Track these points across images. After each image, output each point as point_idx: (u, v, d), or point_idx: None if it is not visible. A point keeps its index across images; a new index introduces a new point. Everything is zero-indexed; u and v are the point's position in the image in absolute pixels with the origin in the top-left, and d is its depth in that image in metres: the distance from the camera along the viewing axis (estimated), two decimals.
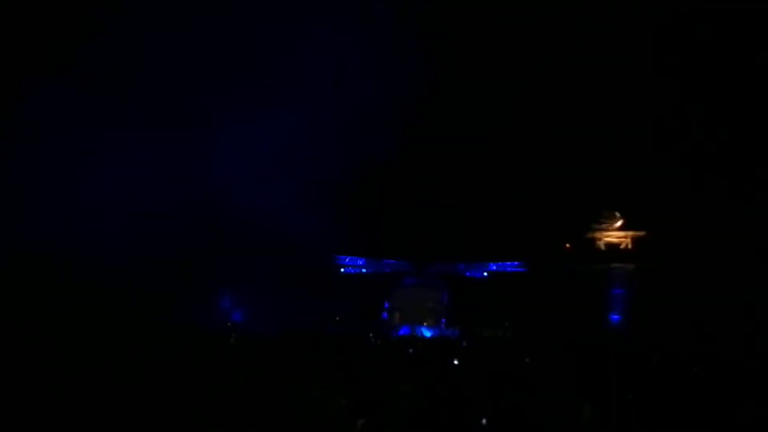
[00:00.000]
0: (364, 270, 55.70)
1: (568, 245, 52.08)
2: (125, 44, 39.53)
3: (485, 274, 55.15)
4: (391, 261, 55.57)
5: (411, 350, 27.02)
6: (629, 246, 51.84)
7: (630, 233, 51.76)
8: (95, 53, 39.25)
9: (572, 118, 45.18)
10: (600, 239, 52.46)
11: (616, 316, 49.43)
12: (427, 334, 47.43)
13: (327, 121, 43.83)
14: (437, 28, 41.65)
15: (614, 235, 52.15)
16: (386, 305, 54.21)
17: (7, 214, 38.31)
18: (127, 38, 39.28)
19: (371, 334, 38.17)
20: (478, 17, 42.23)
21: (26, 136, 39.06)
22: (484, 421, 11.29)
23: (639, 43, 42.34)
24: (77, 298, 32.81)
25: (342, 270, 54.99)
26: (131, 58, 40.01)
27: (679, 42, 41.82)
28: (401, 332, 48.56)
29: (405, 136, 45.51)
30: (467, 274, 55.56)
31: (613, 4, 40.95)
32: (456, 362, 21.46)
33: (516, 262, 53.89)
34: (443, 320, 52.55)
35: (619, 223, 51.88)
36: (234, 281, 46.58)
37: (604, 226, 52.10)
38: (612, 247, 52.25)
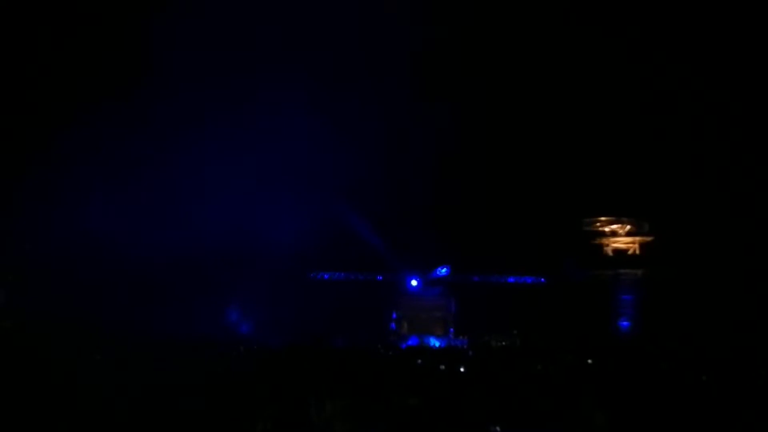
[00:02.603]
0: (370, 280, 55.45)
1: (575, 252, 51.76)
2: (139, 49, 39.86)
3: (542, 279, 54.44)
4: (400, 271, 55.37)
5: (420, 361, 26.95)
6: (637, 252, 51.59)
7: (637, 239, 51.50)
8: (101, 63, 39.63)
9: (580, 124, 45.15)
10: (608, 245, 52.20)
11: (625, 323, 49.15)
12: (436, 344, 47.23)
13: (333, 132, 43.85)
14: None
15: (622, 240, 51.90)
16: (394, 315, 54.02)
17: (9, 218, 38.63)
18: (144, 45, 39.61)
19: (380, 346, 38.06)
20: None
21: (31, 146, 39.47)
22: (498, 428, 11.24)
23: (648, 49, 42.39)
24: (84, 316, 32.95)
25: (350, 280, 54.78)
26: (140, 63, 40.28)
27: (687, 44, 41.81)
28: (409, 342, 48.38)
29: (411, 147, 45.62)
30: (475, 280, 55.22)
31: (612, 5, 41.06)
32: (462, 369, 21.46)
33: (524, 271, 53.55)
34: (451, 329, 52.34)
35: (626, 229, 51.63)
36: (240, 293, 46.57)
37: (611, 232, 51.84)
38: (620, 253, 52.00)
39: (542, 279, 52.03)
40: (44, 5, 39.45)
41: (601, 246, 52.30)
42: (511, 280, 53.26)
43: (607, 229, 52.00)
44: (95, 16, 39.63)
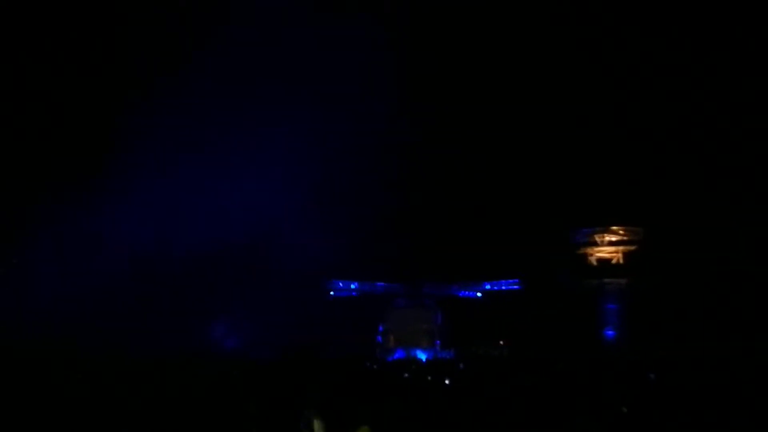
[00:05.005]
0: (355, 293, 55.29)
1: (562, 262, 51.97)
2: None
3: (479, 294, 54.88)
4: (385, 283, 55.25)
5: (407, 374, 26.91)
6: (621, 261, 51.86)
7: (621, 248, 51.79)
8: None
9: (563, 133, 45.54)
10: (592, 254, 52.46)
11: (610, 332, 49.33)
12: (423, 357, 47.04)
13: (318, 146, 43.98)
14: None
15: (606, 250, 52.17)
16: (380, 328, 53.80)
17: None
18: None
19: (367, 361, 37.88)
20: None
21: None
22: None
23: (628, 61, 42.90)
24: (73, 328, 32.64)
25: (334, 294, 54.55)
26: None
27: (664, 56, 42.34)
28: (396, 356, 48.16)
29: (396, 158, 45.81)
30: (461, 294, 55.29)
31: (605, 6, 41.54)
32: (447, 382, 21.49)
33: (509, 281, 53.72)
34: (438, 342, 52.20)
35: (612, 239, 51.88)
36: (227, 307, 46.29)
37: (598, 241, 52.09)
38: (604, 262, 52.27)
39: (528, 286, 52.25)
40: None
41: (586, 255, 52.57)
42: (499, 286, 53.49)
43: (593, 239, 52.27)
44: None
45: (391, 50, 40.45)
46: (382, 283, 55.36)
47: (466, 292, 55.08)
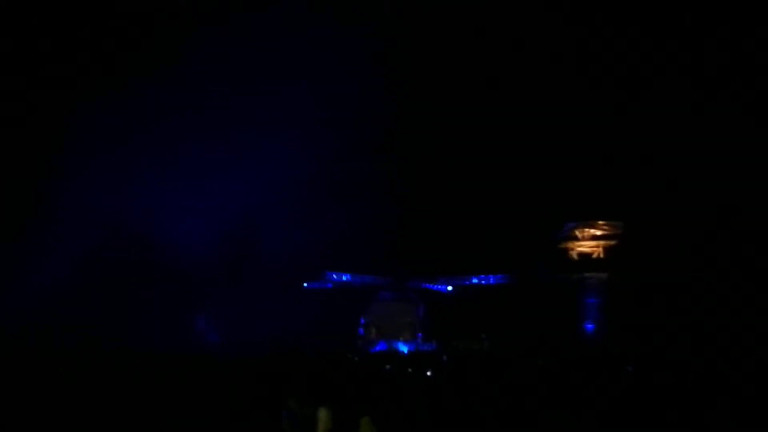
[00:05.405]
0: (332, 286, 55.22)
1: (543, 256, 52.27)
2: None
3: (449, 288, 55.08)
4: (368, 276, 55.31)
5: (388, 366, 27.08)
6: (601, 255, 52.27)
7: (602, 243, 52.19)
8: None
9: (545, 129, 45.80)
10: (573, 249, 52.82)
11: (590, 326, 49.82)
12: (404, 349, 47.26)
13: (305, 137, 43.90)
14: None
15: (587, 244, 52.54)
16: (362, 321, 53.92)
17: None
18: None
19: (349, 353, 38.01)
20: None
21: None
22: None
23: (609, 60, 43.23)
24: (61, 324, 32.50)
25: (317, 286, 54.50)
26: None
27: (643, 57, 42.72)
28: (378, 348, 48.36)
29: (380, 151, 45.88)
30: (443, 288, 55.48)
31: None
32: (429, 373, 21.68)
33: (491, 275, 53.96)
34: (420, 334, 52.45)
35: (593, 233, 52.25)
36: (209, 301, 46.18)
37: (578, 236, 52.43)
38: (585, 256, 52.65)
39: (509, 280, 52.58)
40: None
41: (567, 249, 52.92)
42: (481, 280, 53.77)
43: (574, 233, 52.62)
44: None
45: (379, 47, 40.42)
46: (371, 276, 55.37)
47: (448, 286, 55.30)
